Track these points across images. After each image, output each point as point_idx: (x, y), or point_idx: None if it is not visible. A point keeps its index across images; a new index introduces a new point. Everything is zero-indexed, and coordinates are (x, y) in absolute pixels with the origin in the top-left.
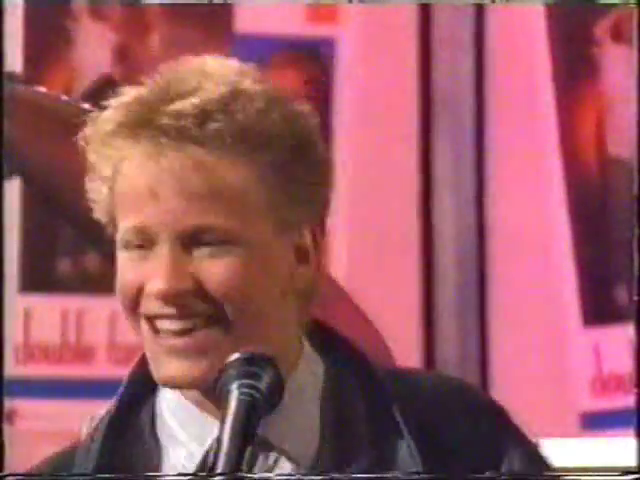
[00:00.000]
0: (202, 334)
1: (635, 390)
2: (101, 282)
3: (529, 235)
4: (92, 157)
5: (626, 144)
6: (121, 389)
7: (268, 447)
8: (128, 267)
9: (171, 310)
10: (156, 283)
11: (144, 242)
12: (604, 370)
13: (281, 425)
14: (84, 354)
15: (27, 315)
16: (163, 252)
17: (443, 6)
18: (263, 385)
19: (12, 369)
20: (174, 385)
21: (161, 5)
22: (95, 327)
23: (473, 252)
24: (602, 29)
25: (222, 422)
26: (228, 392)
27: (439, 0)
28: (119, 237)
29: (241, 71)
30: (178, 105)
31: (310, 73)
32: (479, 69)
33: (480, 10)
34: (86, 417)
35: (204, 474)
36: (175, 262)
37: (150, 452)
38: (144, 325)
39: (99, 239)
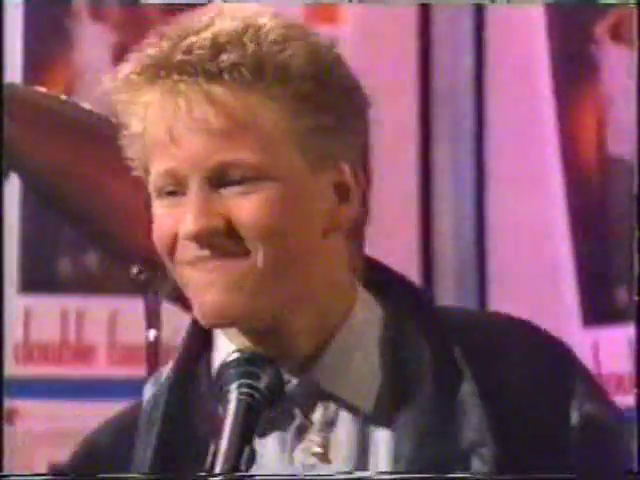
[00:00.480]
0: (237, 268)
1: (635, 390)
2: (101, 282)
3: (529, 234)
4: (120, 112)
5: (626, 144)
6: (178, 351)
7: (327, 398)
8: (162, 215)
9: (204, 252)
10: (187, 225)
11: (175, 187)
12: (603, 370)
13: (340, 375)
14: (84, 354)
15: (27, 315)
16: (192, 194)
17: (443, 6)
18: (262, 385)
19: (12, 369)
20: (214, 321)
21: (161, 5)
22: (95, 327)
23: (472, 252)
24: (602, 29)
25: (221, 422)
26: (228, 392)
27: (439, 0)
28: (151, 186)
29: (258, 10)
30: (190, 40)
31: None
32: (479, 69)
33: (480, 10)
34: (93, 418)
35: (203, 474)
36: (203, 202)
37: (208, 409)
38: (183, 271)
39: (99, 238)
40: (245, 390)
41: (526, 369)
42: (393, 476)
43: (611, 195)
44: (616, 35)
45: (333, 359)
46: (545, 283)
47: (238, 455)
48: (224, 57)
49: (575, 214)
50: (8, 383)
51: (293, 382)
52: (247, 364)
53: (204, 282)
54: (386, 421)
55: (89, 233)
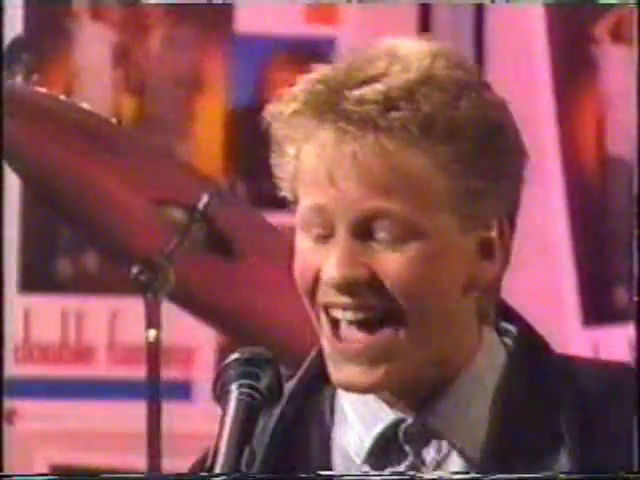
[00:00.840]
0: (380, 338)
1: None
2: (101, 282)
3: (529, 235)
4: (277, 134)
5: (626, 144)
6: (306, 362)
7: (439, 437)
8: (306, 252)
9: (345, 299)
10: (330, 270)
11: (323, 226)
12: None
13: (453, 419)
14: (84, 354)
15: (27, 315)
16: (339, 239)
17: (443, 6)
18: (262, 385)
19: (12, 369)
20: (349, 389)
21: (161, 5)
22: (95, 327)
23: None
24: (602, 29)
25: (221, 422)
26: (227, 392)
27: (439, 0)
28: (299, 216)
29: (434, 54)
30: (362, 90)
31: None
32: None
33: (480, 10)
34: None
35: (204, 474)
36: (350, 249)
37: (325, 430)
38: (323, 316)
39: (99, 238)
40: (245, 390)
41: (624, 433)
42: (403, 477)
43: (611, 195)
44: (616, 35)
45: (449, 403)
46: (545, 283)
47: (238, 455)
48: (395, 115)
49: (575, 214)
50: (8, 383)
51: (408, 421)
52: (247, 364)
53: (347, 352)
54: (491, 468)
55: (88, 233)
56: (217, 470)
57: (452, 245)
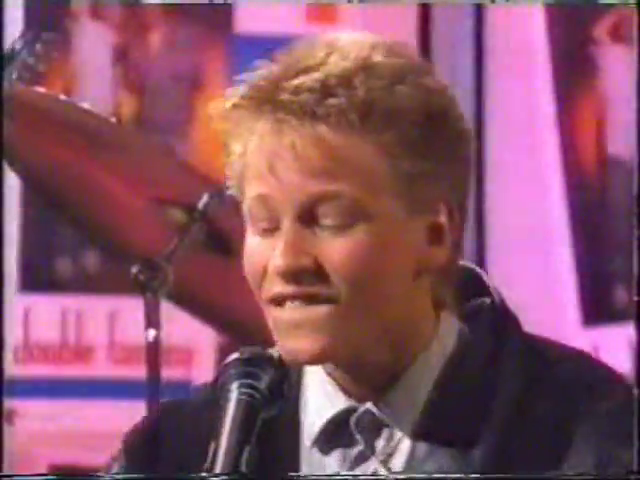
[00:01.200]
0: (323, 312)
1: (636, 390)
2: (100, 282)
3: (528, 235)
4: (223, 133)
5: (626, 144)
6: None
7: (390, 426)
8: (254, 247)
9: (289, 288)
10: (276, 260)
11: (268, 219)
12: None
13: (404, 406)
14: (84, 354)
15: (27, 315)
16: (285, 228)
17: (443, 6)
18: (263, 385)
19: (12, 369)
20: (296, 360)
21: (161, 5)
22: (95, 327)
23: (472, 252)
24: (602, 29)
25: (221, 422)
26: (228, 392)
27: (439, 0)
28: (246, 210)
29: (373, 45)
30: (299, 80)
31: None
32: (478, 69)
33: (480, 10)
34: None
35: (203, 474)
36: (295, 238)
37: (290, 415)
38: (269, 305)
39: (99, 238)
40: (245, 390)
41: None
42: (402, 475)
43: (611, 195)
44: (616, 35)
45: (400, 392)
46: (545, 283)
47: (238, 455)
48: (333, 101)
49: (575, 214)
50: (8, 383)
51: (360, 409)
52: (247, 364)
53: (289, 324)
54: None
55: (88, 233)
56: (217, 470)
57: (398, 229)
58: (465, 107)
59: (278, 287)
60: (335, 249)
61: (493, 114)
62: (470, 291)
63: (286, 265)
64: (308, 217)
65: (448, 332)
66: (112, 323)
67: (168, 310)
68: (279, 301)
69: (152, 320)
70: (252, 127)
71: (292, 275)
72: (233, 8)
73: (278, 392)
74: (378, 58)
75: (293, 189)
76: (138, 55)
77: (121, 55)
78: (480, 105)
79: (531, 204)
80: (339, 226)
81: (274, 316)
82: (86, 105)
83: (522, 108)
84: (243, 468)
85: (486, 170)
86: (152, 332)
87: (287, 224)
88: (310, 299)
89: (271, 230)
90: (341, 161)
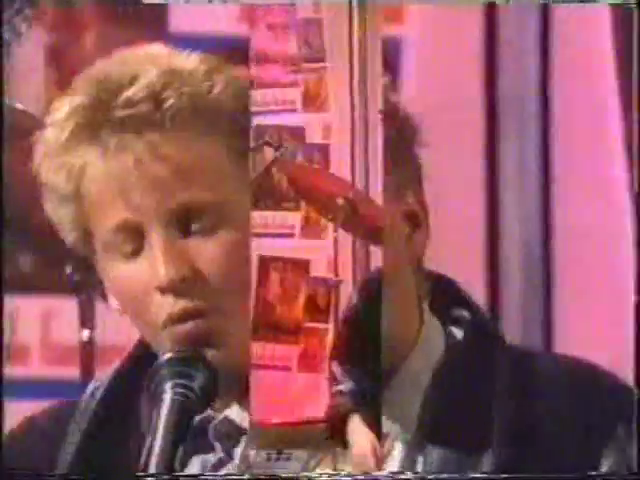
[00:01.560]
0: (206, 325)
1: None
2: (34, 282)
3: (594, 238)
4: (49, 175)
5: None
6: (124, 354)
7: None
8: (122, 273)
9: (181, 303)
10: (156, 276)
11: (131, 241)
12: None
13: (394, 407)
14: (17, 354)
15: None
16: (155, 243)
17: (508, 7)
18: (196, 385)
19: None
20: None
21: (95, 5)
22: (28, 327)
23: (538, 255)
24: None
25: (155, 422)
26: (162, 392)
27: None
28: (100, 243)
29: (169, 52)
30: (126, 94)
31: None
32: (544, 71)
33: (545, 11)
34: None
35: (140, 474)
36: (168, 248)
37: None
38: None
39: (31, 237)
40: (179, 390)
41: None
42: (400, 476)
43: None
44: None
45: (395, 392)
46: (611, 287)
47: (173, 455)
48: (167, 104)
49: None
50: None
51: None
52: (181, 364)
53: (173, 333)
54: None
55: (21, 232)
56: (151, 469)
57: None
58: (530, 109)
59: (167, 307)
60: (207, 253)
61: (558, 116)
62: (448, 300)
63: (168, 278)
64: (175, 228)
65: (433, 328)
66: (46, 323)
67: (102, 310)
68: (174, 321)
69: (86, 320)
70: (87, 157)
71: (177, 288)
72: (167, 8)
73: (211, 392)
74: (182, 59)
75: (153, 205)
76: (72, 56)
77: (54, 56)
78: (545, 107)
79: (597, 207)
80: (206, 230)
81: (174, 332)
82: (19, 105)
83: (587, 110)
84: (177, 468)
85: (551, 172)
86: (86, 332)
87: (156, 237)
88: (200, 314)
89: (136, 251)
90: (188, 166)
